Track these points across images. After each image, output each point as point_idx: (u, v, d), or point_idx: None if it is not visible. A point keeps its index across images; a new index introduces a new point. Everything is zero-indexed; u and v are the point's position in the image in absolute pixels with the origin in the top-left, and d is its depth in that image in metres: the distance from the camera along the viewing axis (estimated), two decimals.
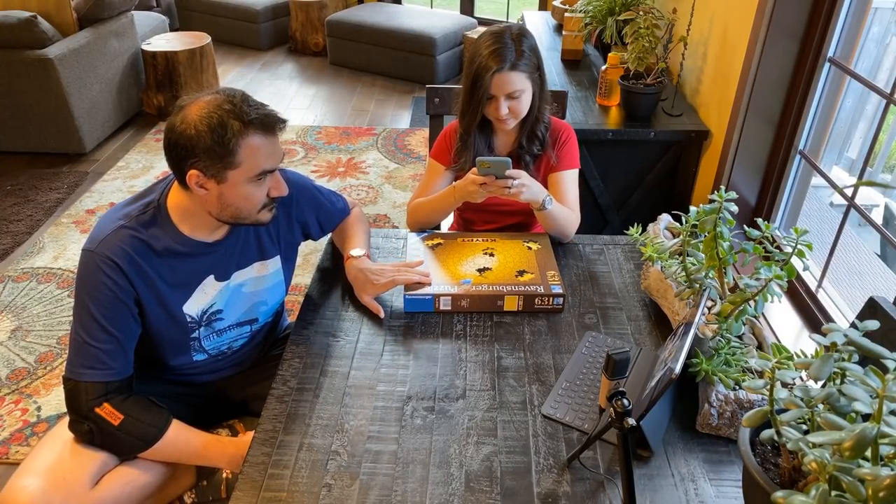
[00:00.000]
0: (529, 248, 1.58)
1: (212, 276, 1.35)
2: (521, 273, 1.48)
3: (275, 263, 1.45)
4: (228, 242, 1.35)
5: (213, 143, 1.16)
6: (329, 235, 1.68)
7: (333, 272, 1.59)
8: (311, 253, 2.89)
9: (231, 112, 1.17)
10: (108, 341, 1.22)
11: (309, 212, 1.51)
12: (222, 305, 1.38)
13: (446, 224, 1.97)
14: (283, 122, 1.25)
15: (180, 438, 1.31)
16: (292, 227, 1.48)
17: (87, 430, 1.23)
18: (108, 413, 1.22)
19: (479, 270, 1.49)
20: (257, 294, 1.44)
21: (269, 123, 1.22)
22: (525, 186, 1.49)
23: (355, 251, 1.49)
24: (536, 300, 1.42)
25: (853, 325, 0.89)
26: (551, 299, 1.43)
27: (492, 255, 1.55)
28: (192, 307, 1.34)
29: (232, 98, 1.19)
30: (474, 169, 1.52)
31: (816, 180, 1.99)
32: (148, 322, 1.29)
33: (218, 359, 1.45)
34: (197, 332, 1.37)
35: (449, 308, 1.42)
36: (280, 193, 1.29)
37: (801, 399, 0.78)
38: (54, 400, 2.15)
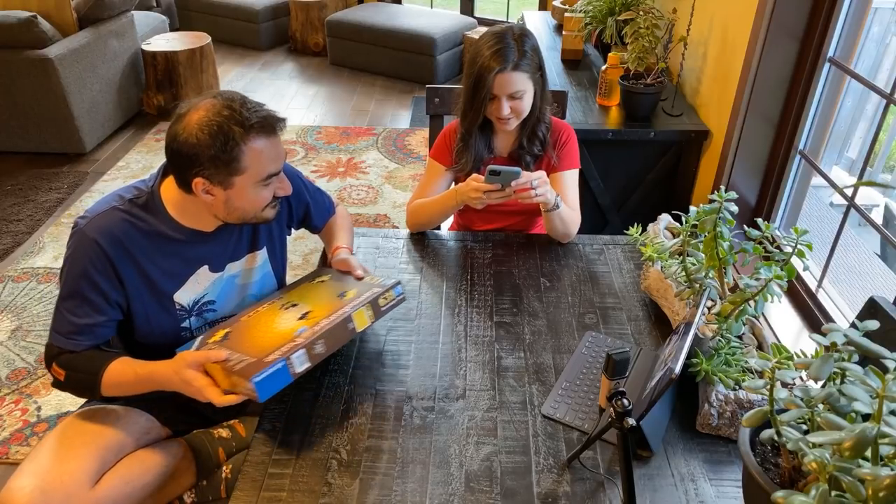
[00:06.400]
0: (323, 282, 1.40)
1: (206, 267, 1.35)
2: (342, 294, 1.31)
3: (262, 255, 1.46)
4: (223, 233, 1.36)
5: (217, 151, 1.17)
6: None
7: None
8: (311, 253, 2.89)
9: (231, 118, 1.17)
10: (85, 315, 1.26)
11: (298, 206, 1.52)
12: (215, 296, 1.39)
13: (446, 224, 1.97)
14: (283, 120, 1.27)
15: (120, 373, 1.27)
16: (281, 221, 1.48)
17: (53, 381, 1.30)
18: (56, 372, 1.28)
19: (301, 318, 1.26)
20: (248, 286, 1.44)
21: (270, 125, 1.23)
22: (548, 191, 1.51)
23: (342, 243, 1.53)
24: (380, 300, 1.28)
25: (853, 325, 0.89)
26: (391, 291, 1.31)
27: (294, 304, 1.33)
28: (184, 296, 1.34)
29: (231, 102, 1.19)
30: (475, 175, 1.52)
31: (816, 180, 1.99)
32: (134, 307, 1.30)
33: None
34: (188, 321, 1.37)
35: (307, 364, 1.16)
36: (285, 193, 1.32)
37: (801, 399, 0.78)
38: (54, 400, 2.15)
